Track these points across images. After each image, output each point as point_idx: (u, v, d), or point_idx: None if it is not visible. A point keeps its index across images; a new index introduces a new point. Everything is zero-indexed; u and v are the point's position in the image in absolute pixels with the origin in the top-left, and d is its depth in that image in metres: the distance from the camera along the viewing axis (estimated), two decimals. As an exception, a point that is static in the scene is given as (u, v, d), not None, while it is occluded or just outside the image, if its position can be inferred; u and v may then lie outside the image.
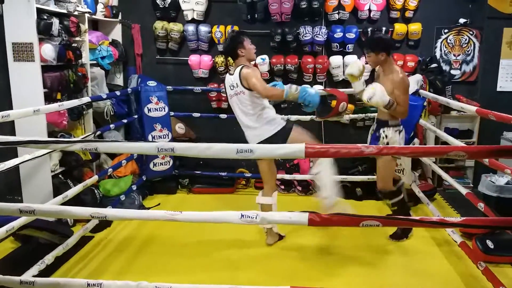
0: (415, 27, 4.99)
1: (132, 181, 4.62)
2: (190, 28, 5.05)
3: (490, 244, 3.33)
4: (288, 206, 4.52)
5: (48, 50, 3.71)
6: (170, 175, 5.09)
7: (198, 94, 5.22)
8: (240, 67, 3.43)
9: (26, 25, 3.55)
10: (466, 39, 5.12)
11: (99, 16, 4.77)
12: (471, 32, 5.10)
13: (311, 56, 5.04)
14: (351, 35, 4.91)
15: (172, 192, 5.05)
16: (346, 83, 4.51)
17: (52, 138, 3.61)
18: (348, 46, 5.00)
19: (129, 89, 4.84)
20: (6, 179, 3.78)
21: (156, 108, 4.93)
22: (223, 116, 4.94)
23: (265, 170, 3.62)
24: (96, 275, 3.13)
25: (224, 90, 3.79)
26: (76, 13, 4.11)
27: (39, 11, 3.64)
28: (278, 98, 3.48)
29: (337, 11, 4.97)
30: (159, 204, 4.67)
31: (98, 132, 4.19)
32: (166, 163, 5.01)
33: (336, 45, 5.01)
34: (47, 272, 2.95)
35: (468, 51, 5.14)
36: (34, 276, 2.68)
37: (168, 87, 5.06)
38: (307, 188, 5.05)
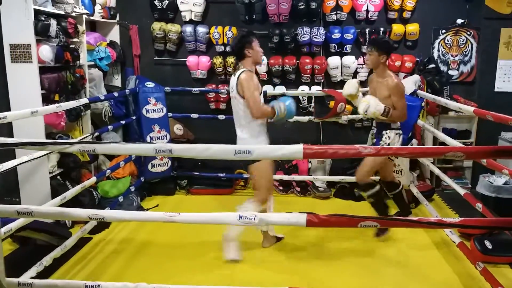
0: (413, 28, 5.00)
1: (130, 182, 4.61)
2: (188, 29, 5.05)
3: (488, 244, 3.34)
4: (286, 207, 4.54)
5: (46, 51, 3.70)
6: (169, 176, 5.09)
7: (196, 95, 5.21)
8: (241, 71, 3.35)
9: (24, 26, 3.55)
10: (463, 40, 5.13)
11: (96, 17, 4.77)
12: (468, 33, 5.11)
13: (309, 57, 5.04)
14: (349, 36, 4.92)
15: (171, 193, 5.05)
16: (344, 84, 4.51)
17: (50, 139, 3.63)
18: (346, 47, 5.01)
19: (127, 90, 4.83)
20: (4, 181, 3.77)
21: (154, 109, 4.93)
22: (221, 117, 4.94)
23: (268, 172, 3.46)
24: (94, 276, 3.13)
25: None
26: (73, 14, 4.11)
27: (37, 12, 3.64)
28: (267, 117, 3.41)
29: (335, 12, 4.98)
30: (157, 205, 4.67)
31: (96, 134, 4.19)
32: (164, 164, 5.01)
33: (334, 45, 5.01)
34: (45, 273, 2.94)
35: (465, 52, 5.15)
36: (32, 278, 2.68)
37: (166, 88, 5.06)
38: (306, 189, 5.05)
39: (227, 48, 5.07)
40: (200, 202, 4.81)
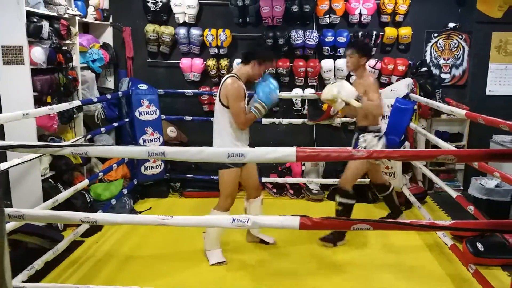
0: (406, 31, 5.03)
1: (123, 185, 4.59)
2: (182, 31, 5.05)
3: (480, 246, 3.36)
4: (280, 209, 4.54)
5: (38, 53, 3.68)
6: (162, 179, 5.07)
7: (190, 98, 5.21)
8: (228, 76, 3.27)
9: (16, 28, 3.52)
10: (455, 43, 5.17)
11: (89, 19, 4.75)
12: (460, 36, 5.16)
13: (302, 60, 5.06)
14: (342, 39, 4.94)
15: (164, 196, 5.03)
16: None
17: (42, 142, 3.61)
18: (339, 50, 5.02)
19: (120, 93, 4.81)
20: (-5, 184, 3.74)
21: (147, 111, 4.92)
22: (215, 119, 4.93)
23: (230, 180, 3.34)
24: (86, 280, 3.11)
25: None
26: (66, 16, 4.09)
27: (29, 14, 3.61)
28: (252, 122, 3.33)
29: (328, 15, 5.00)
30: (150, 208, 4.65)
31: (89, 136, 4.17)
32: (157, 167, 4.99)
33: (328, 48, 5.03)
34: (36, 277, 2.92)
35: (457, 55, 5.20)
36: (23, 281, 2.66)
37: (159, 90, 5.05)
38: (299, 191, 5.05)
39: (221, 50, 5.07)
40: (193, 204, 4.79)
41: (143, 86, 4.96)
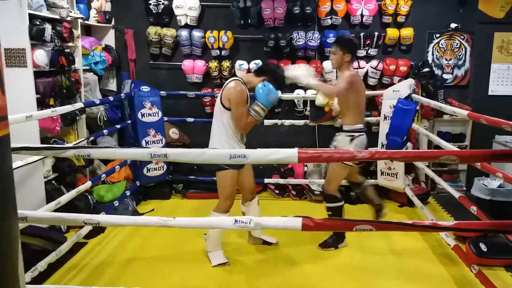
0: (407, 32, 5.03)
1: (126, 186, 4.60)
2: (184, 33, 5.06)
3: (483, 247, 3.35)
4: (282, 210, 4.54)
5: (41, 56, 3.69)
6: (164, 180, 5.07)
7: (192, 99, 5.22)
8: (232, 79, 3.29)
9: (19, 30, 3.54)
10: (457, 44, 5.17)
11: (92, 21, 4.77)
12: (462, 37, 5.15)
13: (304, 61, 5.06)
14: (345, 40, 4.94)
15: (166, 198, 5.03)
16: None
17: (45, 144, 3.62)
18: (341, 51, 5.02)
19: (122, 95, 4.83)
20: (-2, 186, 3.74)
21: (149, 113, 4.93)
22: (217, 121, 4.94)
23: (227, 182, 3.33)
24: (89, 282, 3.11)
25: None
26: (68, 18, 4.11)
27: (32, 17, 3.63)
28: (253, 125, 3.32)
29: (329, 16, 5.00)
30: (153, 209, 4.66)
31: (91, 138, 4.18)
32: (159, 168, 5.00)
33: (329, 50, 5.02)
34: (40, 279, 2.93)
35: (459, 56, 5.19)
36: (27, 283, 2.66)
37: (161, 92, 5.06)
38: (301, 192, 5.05)
39: (223, 52, 5.08)
40: (196, 206, 4.80)
41: (145, 88, 4.97)
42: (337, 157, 1.91)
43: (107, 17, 5.02)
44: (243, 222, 2.01)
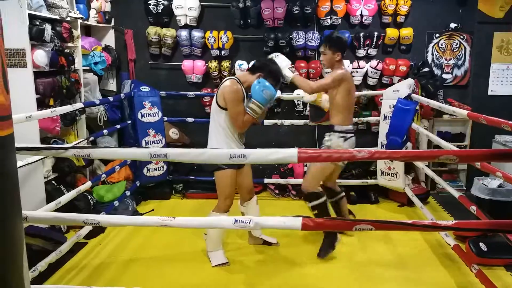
0: (407, 32, 5.03)
1: (126, 186, 4.60)
2: (183, 33, 5.06)
3: (483, 246, 3.35)
4: (282, 210, 4.54)
5: (41, 56, 3.70)
6: (164, 180, 5.08)
7: (192, 99, 5.22)
8: (228, 78, 3.27)
9: (19, 31, 3.54)
10: (457, 44, 5.17)
11: (91, 22, 4.77)
12: (462, 37, 5.15)
13: (304, 61, 5.07)
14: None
15: (166, 198, 5.04)
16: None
17: (45, 144, 3.62)
18: (341, 51, 5.03)
19: (122, 95, 4.83)
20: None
21: (149, 113, 4.93)
22: (217, 121, 4.94)
23: (226, 182, 3.33)
24: (89, 282, 3.11)
25: None
26: (68, 19, 4.11)
27: (32, 17, 3.63)
28: (250, 122, 3.26)
29: (329, 16, 5.01)
30: (153, 209, 4.66)
31: (91, 138, 4.18)
32: (159, 168, 5.00)
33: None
34: (40, 279, 2.93)
35: (459, 56, 5.20)
36: (26, 283, 2.66)
37: (161, 92, 5.06)
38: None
39: (223, 52, 5.09)
40: (196, 206, 4.80)
41: (145, 88, 4.97)
42: (337, 156, 1.91)
43: (106, 17, 5.02)
44: (243, 222, 2.02)
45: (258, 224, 2.04)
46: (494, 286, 2.71)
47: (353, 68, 5.05)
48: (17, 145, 2.05)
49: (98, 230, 3.89)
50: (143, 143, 4.87)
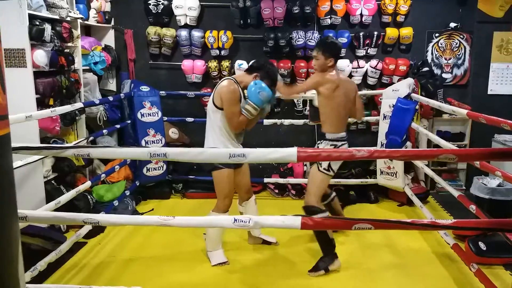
0: (407, 31, 5.04)
1: (126, 186, 4.60)
2: (183, 33, 5.07)
3: (482, 246, 3.36)
4: (281, 210, 4.54)
5: (41, 56, 3.70)
6: (164, 180, 5.08)
7: (192, 99, 5.22)
8: (225, 78, 3.27)
9: (18, 31, 3.54)
10: (457, 43, 5.17)
11: (91, 21, 4.77)
12: (461, 36, 5.16)
13: (303, 61, 5.07)
14: (343, 40, 4.94)
15: (166, 197, 5.04)
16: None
17: (44, 144, 3.62)
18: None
19: (122, 95, 4.83)
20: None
21: (149, 113, 4.93)
22: (217, 120, 4.94)
23: (224, 181, 3.32)
24: (89, 281, 3.12)
25: None
26: (68, 19, 4.11)
27: (31, 17, 3.63)
28: (245, 123, 3.24)
29: (329, 16, 5.01)
30: (152, 209, 4.66)
31: (91, 138, 4.18)
32: (159, 168, 5.00)
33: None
34: (39, 278, 2.93)
35: (459, 55, 5.20)
36: (26, 283, 2.67)
37: (161, 92, 5.06)
38: (301, 191, 5.05)
39: (222, 52, 5.09)
40: (196, 205, 4.80)
41: (145, 88, 4.97)
42: (336, 156, 1.91)
43: (106, 17, 5.03)
44: (242, 221, 2.02)
45: (257, 223, 2.04)
46: (493, 285, 2.71)
47: (353, 68, 5.05)
48: (16, 144, 2.06)
49: (97, 229, 3.89)
50: (143, 142, 4.88)
